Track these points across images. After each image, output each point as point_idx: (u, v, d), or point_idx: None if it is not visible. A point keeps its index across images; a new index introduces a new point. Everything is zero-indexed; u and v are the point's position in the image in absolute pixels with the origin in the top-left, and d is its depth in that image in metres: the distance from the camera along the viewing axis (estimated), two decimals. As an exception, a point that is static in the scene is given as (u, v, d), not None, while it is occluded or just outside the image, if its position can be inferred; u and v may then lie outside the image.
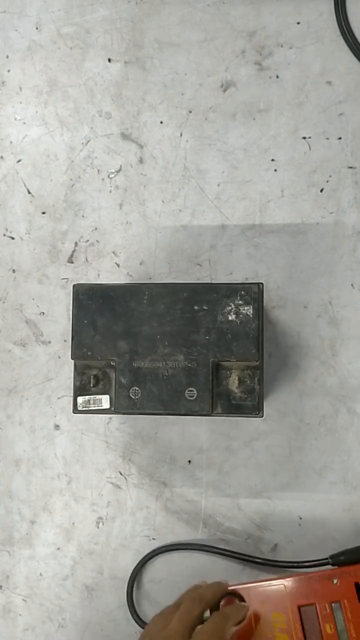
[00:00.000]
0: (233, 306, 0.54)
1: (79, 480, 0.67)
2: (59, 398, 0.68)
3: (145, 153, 0.68)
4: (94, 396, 0.55)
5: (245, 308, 0.54)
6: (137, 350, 0.54)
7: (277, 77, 0.66)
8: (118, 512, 0.67)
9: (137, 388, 0.53)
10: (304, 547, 0.65)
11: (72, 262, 0.69)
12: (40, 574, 0.68)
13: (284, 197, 0.66)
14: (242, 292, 0.54)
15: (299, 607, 0.56)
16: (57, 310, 0.69)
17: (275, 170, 0.66)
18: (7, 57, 0.69)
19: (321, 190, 0.65)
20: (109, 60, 0.68)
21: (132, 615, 0.64)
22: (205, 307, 0.54)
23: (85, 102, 0.68)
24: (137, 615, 0.64)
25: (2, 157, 0.70)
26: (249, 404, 0.55)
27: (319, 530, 0.65)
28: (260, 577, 0.66)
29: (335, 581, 0.56)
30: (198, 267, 0.66)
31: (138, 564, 0.65)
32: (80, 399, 0.56)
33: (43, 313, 0.69)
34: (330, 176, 0.65)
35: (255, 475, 0.65)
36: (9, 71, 0.70)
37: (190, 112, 0.67)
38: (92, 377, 0.56)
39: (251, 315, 0.53)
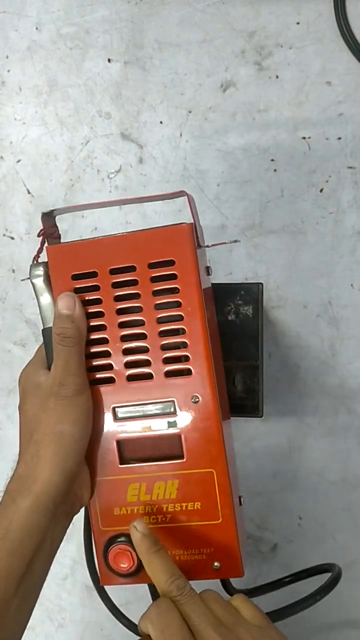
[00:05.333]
0: (233, 306, 0.54)
1: (78, 480, 0.67)
2: (58, 398, 0.68)
3: (145, 153, 0.68)
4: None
5: (245, 308, 0.54)
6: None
7: (277, 77, 0.66)
8: (118, 512, 0.67)
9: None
10: (304, 547, 0.65)
11: (72, 262, 0.69)
12: (40, 574, 0.68)
13: (284, 197, 0.66)
14: (242, 292, 0.54)
15: None
16: (57, 310, 0.68)
17: (275, 170, 0.66)
18: (7, 57, 0.69)
19: (321, 191, 0.65)
20: (109, 60, 0.68)
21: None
22: (205, 307, 0.54)
23: (85, 102, 0.68)
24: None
25: (2, 157, 0.70)
26: (249, 404, 0.55)
27: (319, 530, 0.65)
28: (260, 575, 0.66)
29: None
30: (198, 267, 0.66)
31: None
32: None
33: (43, 313, 0.69)
34: (330, 176, 0.65)
35: (255, 475, 0.66)
36: (8, 71, 0.70)
37: (190, 112, 0.67)
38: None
39: (251, 315, 0.53)
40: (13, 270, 0.70)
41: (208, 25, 0.66)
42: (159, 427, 0.44)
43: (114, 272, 0.44)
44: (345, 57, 0.65)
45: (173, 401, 0.44)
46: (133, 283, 0.44)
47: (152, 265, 0.43)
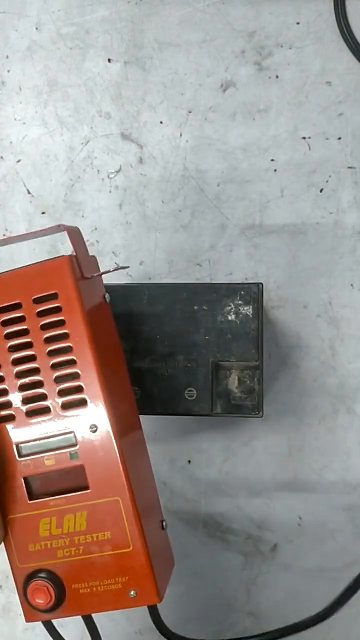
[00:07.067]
0: (233, 306, 0.54)
1: (78, 480, 0.67)
2: (58, 398, 0.68)
3: (145, 153, 0.68)
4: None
5: (245, 308, 0.54)
6: (136, 350, 0.54)
7: (277, 77, 0.66)
8: (118, 512, 0.67)
9: (136, 388, 0.53)
10: (304, 547, 0.65)
11: (72, 262, 0.69)
12: (40, 574, 0.68)
13: (284, 197, 0.66)
14: (242, 292, 0.54)
15: None
16: (57, 310, 0.68)
17: (275, 170, 0.66)
18: (7, 57, 0.69)
19: (321, 191, 0.65)
20: (109, 60, 0.68)
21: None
22: (205, 307, 0.54)
23: (85, 102, 0.68)
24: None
25: (2, 157, 0.70)
26: (249, 404, 0.55)
27: (318, 530, 0.65)
28: (260, 575, 0.66)
29: None
30: (198, 267, 0.66)
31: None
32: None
33: (43, 313, 0.69)
34: (330, 176, 0.65)
35: (255, 475, 0.66)
36: (8, 71, 0.70)
37: (190, 112, 0.67)
38: (91, 377, 0.55)
39: (251, 315, 0.53)
40: (13, 270, 0.70)
41: (208, 25, 0.66)
42: (63, 460, 0.44)
43: (1, 310, 0.44)
44: (345, 57, 0.65)
45: (72, 433, 0.44)
46: (21, 319, 0.44)
47: (36, 300, 0.44)
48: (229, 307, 0.54)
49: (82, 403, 0.44)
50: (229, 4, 0.66)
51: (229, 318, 0.54)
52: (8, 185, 0.70)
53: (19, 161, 0.70)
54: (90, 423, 0.44)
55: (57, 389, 0.44)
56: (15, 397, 0.44)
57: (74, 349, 0.43)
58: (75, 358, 0.43)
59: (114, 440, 0.43)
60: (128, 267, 0.53)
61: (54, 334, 0.44)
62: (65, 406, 0.44)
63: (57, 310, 0.43)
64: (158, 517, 0.48)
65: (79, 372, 0.43)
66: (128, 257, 0.68)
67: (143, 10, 0.67)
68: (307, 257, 0.65)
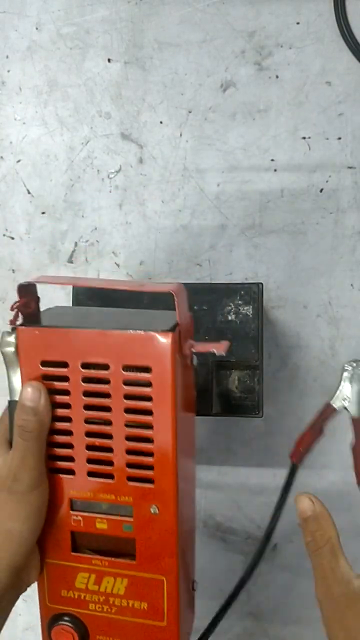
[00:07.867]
0: (233, 306, 0.54)
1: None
2: (58, 398, 0.68)
3: (145, 153, 0.68)
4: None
5: (245, 308, 0.54)
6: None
7: (277, 77, 0.66)
8: (118, 512, 0.66)
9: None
10: (304, 547, 0.65)
11: (72, 262, 0.69)
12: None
13: (284, 197, 0.66)
14: (242, 292, 0.54)
15: None
16: (57, 310, 0.68)
17: (275, 170, 0.66)
18: (7, 57, 0.69)
19: (321, 191, 0.65)
20: (109, 60, 0.68)
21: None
22: (205, 307, 0.54)
23: (85, 102, 0.68)
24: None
25: (2, 157, 0.70)
26: (249, 404, 0.55)
27: (318, 530, 0.65)
28: (260, 575, 0.66)
29: None
30: (198, 267, 0.66)
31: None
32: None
33: (43, 313, 0.69)
34: (330, 176, 0.65)
35: (255, 475, 0.66)
36: (8, 71, 0.70)
37: (190, 112, 0.67)
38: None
39: (251, 315, 0.53)
40: (13, 271, 0.70)
41: (208, 25, 0.66)
42: (115, 527, 0.43)
43: (86, 366, 0.42)
44: (345, 57, 0.65)
45: (132, 506, 0.42)
46: (104, 381, 0.42)
47: (126, 368, 0.41)
48: (229, 307, 0.54)
49: (149, 481, 0.42)
50: (229, 4, 0.66)
51: (229, 318, 0.54)
52: (8, 185, 0.70)
53: (19, 161, 0.70)
54: (152, 503, 0.42)
55: (127, 460, 0.42)
56: (80, 455, 0.43)
57: (154, 428, 0.41)
58: (152, 437, 0.41)
59: (174, 529, 0.42)
60: (227, 344, 0.48)
61: (137, 406, 0.41)
62: (131, 479, 0.42)
63: (146, 384, 0.41)
64: (192, 578, 0.48)
65: (154, 452, 0.41)
66: (128, 257, 0.68)
67: (143, 10, 0.67)
68: (307, 257, 0.65)
